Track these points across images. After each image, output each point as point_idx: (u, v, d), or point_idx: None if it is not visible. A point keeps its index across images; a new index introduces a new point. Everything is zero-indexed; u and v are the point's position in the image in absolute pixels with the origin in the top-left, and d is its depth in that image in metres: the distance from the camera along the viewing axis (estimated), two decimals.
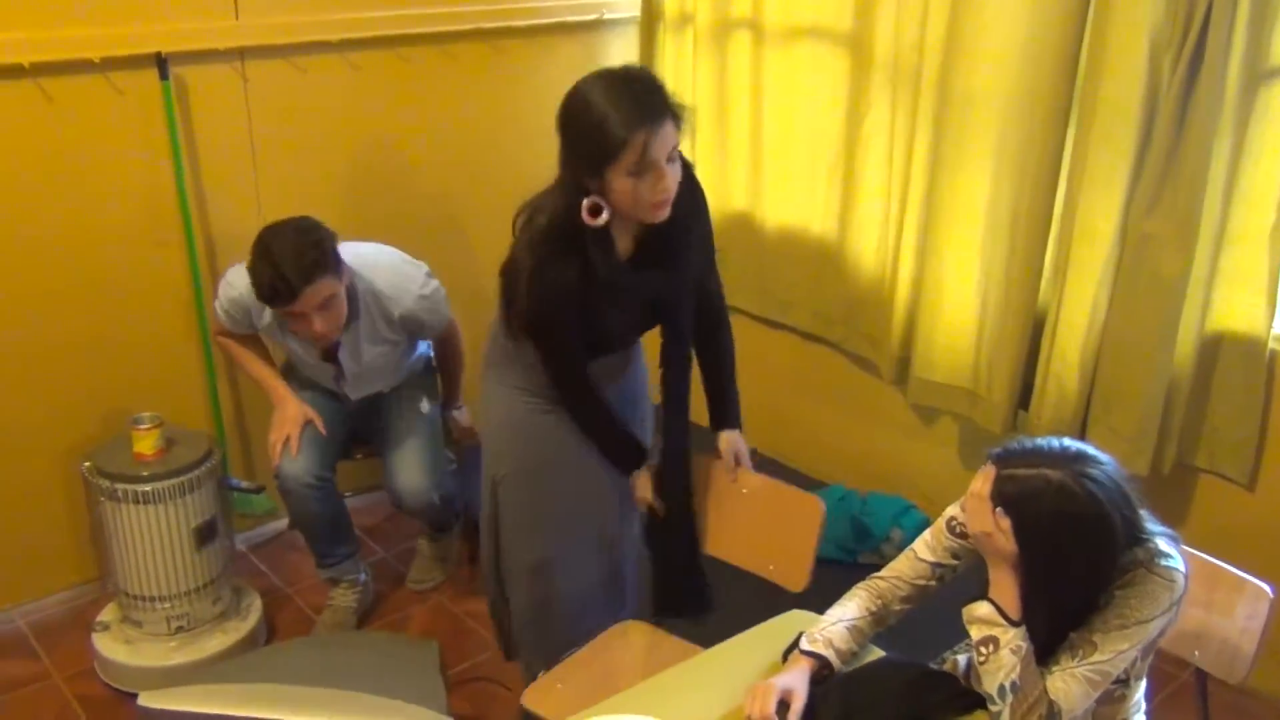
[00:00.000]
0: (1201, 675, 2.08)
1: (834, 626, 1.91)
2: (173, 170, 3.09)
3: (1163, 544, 1.75)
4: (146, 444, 2.79)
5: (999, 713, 1.70)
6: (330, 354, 2.95)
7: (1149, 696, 1.92)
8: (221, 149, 3.19)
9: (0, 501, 3.09)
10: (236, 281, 2.84)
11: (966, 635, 1.79)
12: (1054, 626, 1.74)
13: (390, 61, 3.43)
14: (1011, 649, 1.70)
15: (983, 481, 1.75)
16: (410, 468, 3.02)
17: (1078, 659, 1.70)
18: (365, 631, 3.16)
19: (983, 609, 1.75)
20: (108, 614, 3.04)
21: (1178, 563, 1.74)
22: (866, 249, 3.44)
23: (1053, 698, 1.68)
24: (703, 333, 2.43)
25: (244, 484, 3.37)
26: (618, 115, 1.99)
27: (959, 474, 3.33)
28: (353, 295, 2.83)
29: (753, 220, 3.76)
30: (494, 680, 2.88)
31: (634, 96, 2.02)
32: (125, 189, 3.04)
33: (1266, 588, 1.97)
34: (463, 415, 3.34)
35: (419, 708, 2.28)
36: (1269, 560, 2.30)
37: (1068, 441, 1.75)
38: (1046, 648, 1.74)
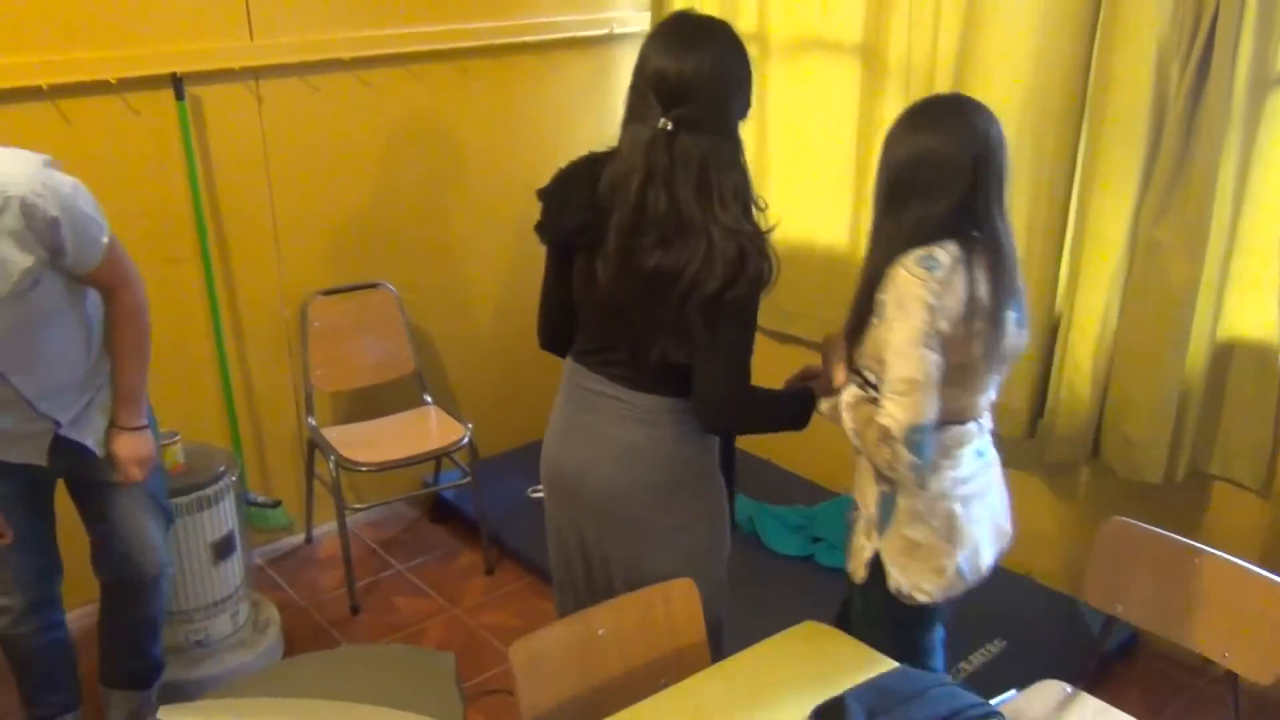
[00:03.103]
0: (1233, 676, 2.11)
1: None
2: (188, 188, 3.13)
3: (942, 251, 1.89)
4: (164, 459, 2.80)
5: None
6: None
7: None
8: (236, 167, 3.23)
9: None
10: None
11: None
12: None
13: (402, 79, 3.46)
14: (845, 408, 2.06)
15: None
16: (127, 537, 2.47)
17: (880, 384, 1.93)
18: (382, 645, 3.17)
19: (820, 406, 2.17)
20: None
21: (934, 263, 1.88)
22: None
23: (881, 423, 1.91)
24: None
25: (261, 498, 3.39)
26: None
27: None
28: None
29: None
30: (510, 692, 2.88)
31: None
32: (141, 207, 3.08)
33: None
34: (135, 440, 2.37)
35: None
36: None
37: None
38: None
